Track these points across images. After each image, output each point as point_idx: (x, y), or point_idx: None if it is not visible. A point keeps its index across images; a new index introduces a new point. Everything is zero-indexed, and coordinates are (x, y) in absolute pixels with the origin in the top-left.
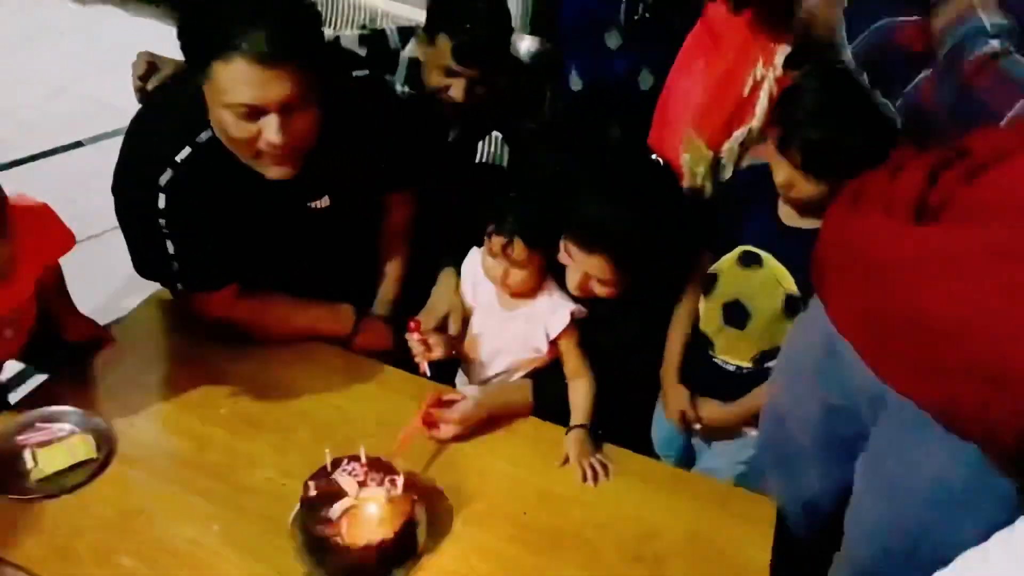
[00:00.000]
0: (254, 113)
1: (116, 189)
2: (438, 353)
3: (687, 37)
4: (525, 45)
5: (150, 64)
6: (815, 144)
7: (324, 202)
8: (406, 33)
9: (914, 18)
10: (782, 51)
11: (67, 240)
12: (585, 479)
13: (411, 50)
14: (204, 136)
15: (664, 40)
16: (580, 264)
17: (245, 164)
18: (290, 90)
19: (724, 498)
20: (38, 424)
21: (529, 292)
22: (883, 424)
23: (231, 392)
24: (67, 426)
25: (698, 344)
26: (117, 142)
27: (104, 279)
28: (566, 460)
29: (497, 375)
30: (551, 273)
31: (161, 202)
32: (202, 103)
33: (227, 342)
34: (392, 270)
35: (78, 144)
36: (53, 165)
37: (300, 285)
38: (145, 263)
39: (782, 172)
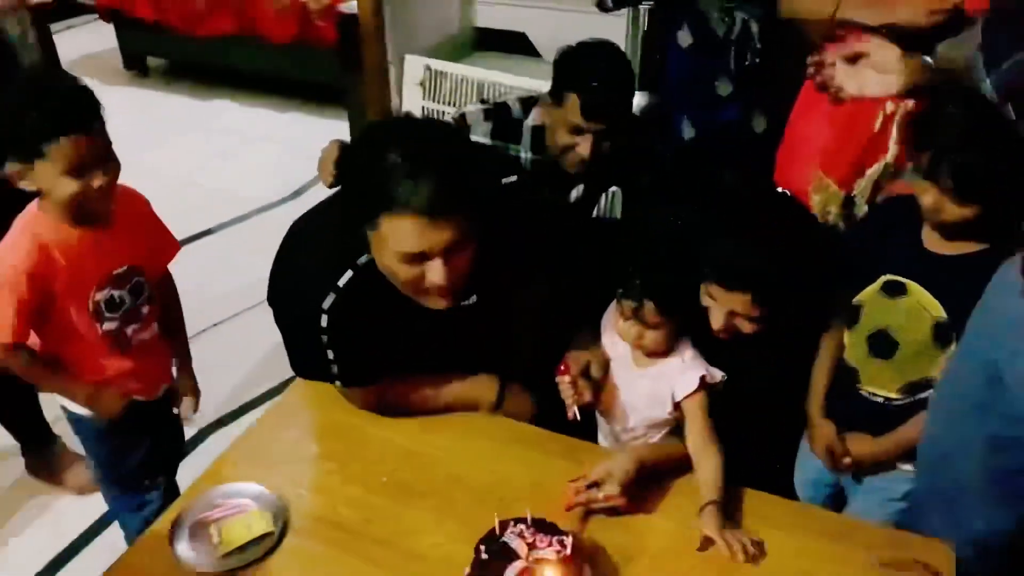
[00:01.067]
0: (419, 257)
1: (274, 302)
2: (587, 397)
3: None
4: (635, 101)
5: (344, 151)
6: (966, 168)
7: (472, 300)
8: (527, 103)
9: None
10: None
11: (168, 239)
12: (736, 557)
13: (534, 118)
14: (364, 259)
15: (776, 83)
16: (724, 303)
17: None
18: (454, 235)
19: (895, 544)
20: (219, 501)
21: (664, 351)
22: None
23: (390, 461)
24: (245, 501)
25: (843, 377)
26: (242, 227)
27: (232, 363)
28: (706, 542)
29: (629, 430)
30: (686, 335)
31: (324, 322)
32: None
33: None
34: (528, 336)
35: (208, 232)
36: (185, 254)
37: (446, 367)
38: (304, 367)
39: (930, 197)
